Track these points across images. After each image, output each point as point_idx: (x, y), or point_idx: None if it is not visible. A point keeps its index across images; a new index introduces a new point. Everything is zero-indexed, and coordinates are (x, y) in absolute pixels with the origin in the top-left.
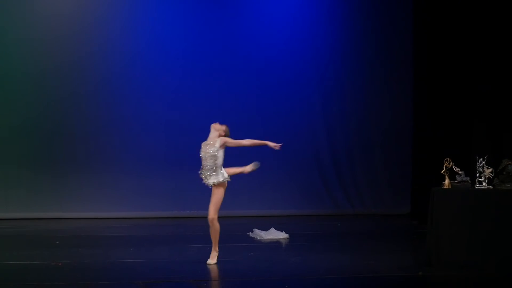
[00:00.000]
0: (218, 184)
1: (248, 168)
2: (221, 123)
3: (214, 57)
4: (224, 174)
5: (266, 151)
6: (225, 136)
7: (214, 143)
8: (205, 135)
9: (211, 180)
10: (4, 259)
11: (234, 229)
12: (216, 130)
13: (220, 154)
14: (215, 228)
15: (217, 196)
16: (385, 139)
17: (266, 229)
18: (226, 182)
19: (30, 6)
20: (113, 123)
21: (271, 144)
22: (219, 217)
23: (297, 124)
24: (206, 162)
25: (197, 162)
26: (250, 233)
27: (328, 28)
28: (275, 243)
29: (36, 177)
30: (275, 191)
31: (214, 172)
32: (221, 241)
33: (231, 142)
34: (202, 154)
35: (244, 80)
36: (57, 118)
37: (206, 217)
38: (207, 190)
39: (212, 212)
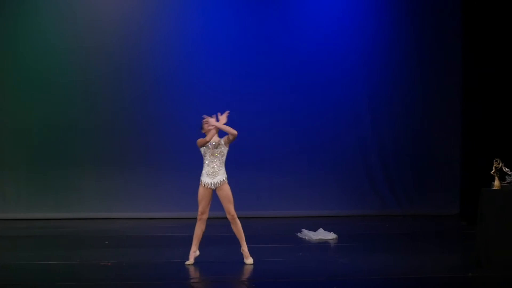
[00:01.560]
0: (222, 185)
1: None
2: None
3: (259, 56)
4: (225, 173)
5: (309, 151)
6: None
7: (221, 143)
8: (254, 134)
9: (215, 180)
10: (54, 258)
11: (283, 230)
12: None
13: (226, 151)
14: (239, 225)
15: (229, 192)
16: (434, 138)
17: (314, 229)
18: (226, 180)
19: (78, 14)
20: (161, 123)
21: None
22: (258, 217)
23: (344, 123)
24: (215, 161)
25: (245, 162)
26: (298, 233)
27: (375, 24)
28: (324, 244)
29: (85, 178)
30: (323, 192)
31: (219, 171)
32: (270, 241)
33: (226, 136)
34: (213, 154)
35: (290, 78)
36: (104, 119)
37: (255, 218)
38: (254, 191)
39: (232, 210)
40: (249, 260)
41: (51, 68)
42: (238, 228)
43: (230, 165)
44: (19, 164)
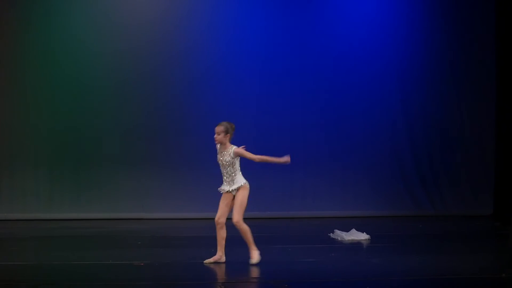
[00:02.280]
0: (239, 189)
1: (282, 160)
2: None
3: (292, 57)
4: (242, 178)
5: (342, 151)
6: (227, 133)
7: (229, 152)
8: (286, 135)
9: (233, 187)
10: (87, 259)
11: (315, 230)
12: (218, 135)
13: (237, 160)
14: (244, 230)
15: (241, 199)
16: (467, 138)
17: (347, 230)
18: (247, 185)
19: (109, 18)
20: (193, 124)
21: (281, 160)
22: (306, 217)
23: (377, 123)
24: (225, 170)
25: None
26: (331, 234)
27: (408, 25)
28: (356, 244)
29: (118, 178)
30: (355, 192)
31: (234, 178)
32: (302, 242)
33: (245, 154)
34: (219, 161)
35: (323, 79)
36: (138, 119)
37: (288, 218)
38: (284, 191)
39: (237, 216)
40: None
41: (84, 70)
42: (242, 233)
43: (264, 166)
44: (52, 164)
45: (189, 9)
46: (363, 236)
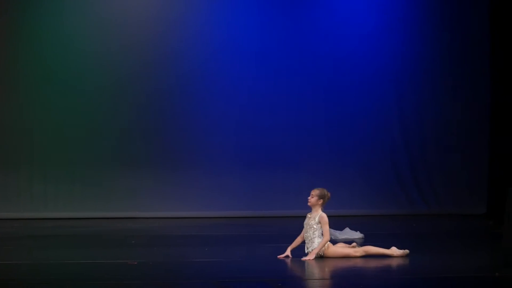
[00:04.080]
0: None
1: (396, 252)
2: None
3: (287, 56)
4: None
5: (337, 150)
6: (322, 201)
7: (315, 217)
8: (279, 135)
9: (310, 248)
10: (80, 257)
11: None
12: (312, 197)
13: (318, 228)
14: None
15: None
16: (461, 137)
17: (340, 228)
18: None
19: (103, 17)
20: (188, 123)
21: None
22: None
23: (372, 122)
24: (307, 233)
25: (274, 161)
26: None
27: (403, 24)
28: (350, 243)
29: (112, 177)
30: (349, 191)
31: (313, 241)
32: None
33: (324, 227)
34: (304, 225)
35: (317, 79)
36: (133, 118)
37: (280, 217)
38: (279, 190)
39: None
40: None
41: (79, 68)
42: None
43: (258, 165)
44: (46, 163)
45: (183, 7)
46: (356, 235)
